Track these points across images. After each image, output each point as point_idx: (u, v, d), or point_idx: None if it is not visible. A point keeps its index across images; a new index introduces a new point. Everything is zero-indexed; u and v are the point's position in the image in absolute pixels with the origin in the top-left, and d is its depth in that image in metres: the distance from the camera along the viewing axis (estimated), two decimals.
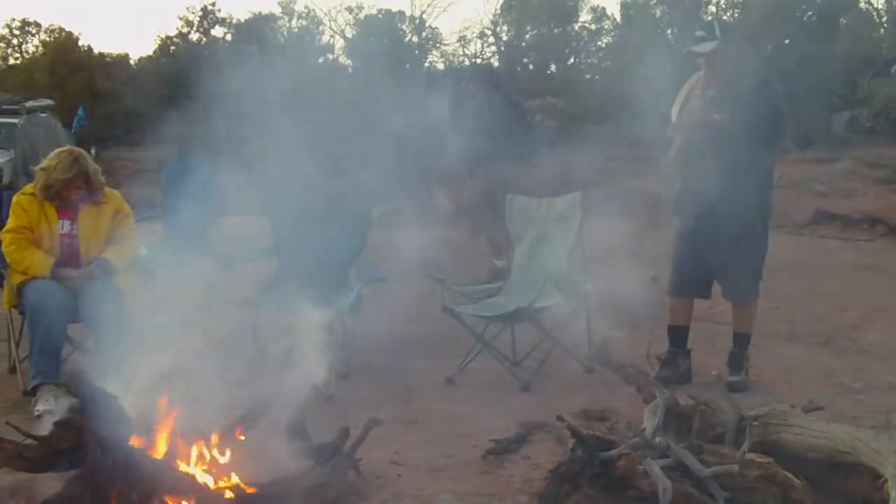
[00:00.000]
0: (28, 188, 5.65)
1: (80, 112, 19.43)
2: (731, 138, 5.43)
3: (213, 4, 33.87)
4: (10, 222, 5.54)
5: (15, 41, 42.74)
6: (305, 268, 6.36)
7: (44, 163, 5.61)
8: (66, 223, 5.58)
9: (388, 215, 10.58)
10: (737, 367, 5.75)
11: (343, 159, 7.91)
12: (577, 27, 26.95)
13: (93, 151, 8.46)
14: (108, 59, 39.51)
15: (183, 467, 3.74)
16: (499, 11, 24.58)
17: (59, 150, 5.67)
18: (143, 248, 6.27)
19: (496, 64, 22.33)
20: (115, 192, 5.84)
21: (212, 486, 3.71)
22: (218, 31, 32.84)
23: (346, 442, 4.04)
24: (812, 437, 3.87)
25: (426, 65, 22.71)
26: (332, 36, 33.58)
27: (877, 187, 14.03)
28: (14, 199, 5.62)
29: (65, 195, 5.55)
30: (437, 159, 9.18)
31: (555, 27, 25.55)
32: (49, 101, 18.22)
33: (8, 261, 5.50)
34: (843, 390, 5.66)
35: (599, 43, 27.96)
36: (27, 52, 42.11)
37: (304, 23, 24.43)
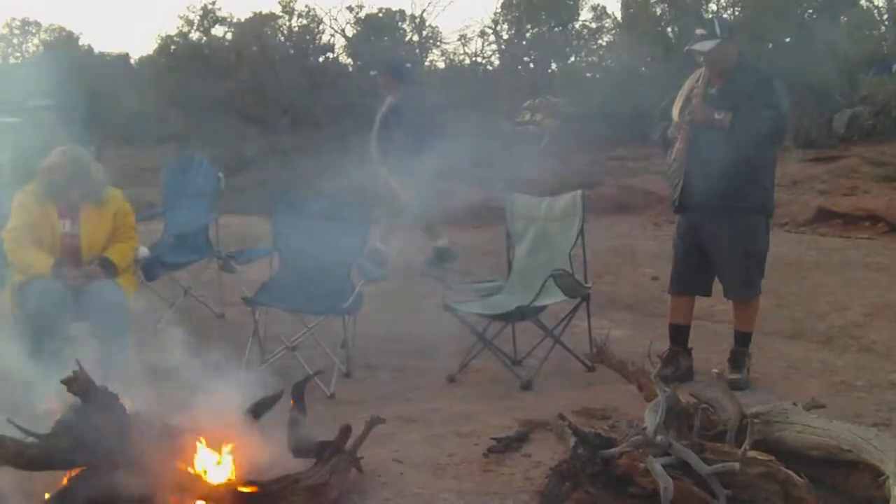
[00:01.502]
0: (29, 187, 5.64)
1: (81, 111, 19.39)
2: (732, 137, 5.43)
3: (214, 3, 33.85)
4: (12, 221, 5.54)
5: (15, 40, 42.80)
6: (306, 267, 6.38)
7: (44, 162, 5.60)
8: (68, 222, 5.57)
9: None
10: (738, 365, 5.75)
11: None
12: (577, 26, 26.94)
13: (93, 150, 8.44)
14: (108, 59, 39.52)
15: (185, 466, 3.74)
16: (499, 10, 24.58)
17: (60, 148, 5.67)
18: (144, 247, 6.27)
19: (496, 62, 22.29)
20: (117, 190, 5.84)
21: (213, 484, 3.72)
22: (218, 31, 32.83)
23: (348, 441, 4.04)
24: (813, 434, 3.88)
25: (427, 63, 22.63)
26: (332, 35, 33.48)
27: (878, 185, 14.00)
28: (15, 198, 5.61)
29: (66, 194, 5.54)
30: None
31: (555, 26, 25.53)
32: (50, 101, 18.19)
33: (9, 260, 5.49)
34: (845, 388, 5.66)
35: (600, 41, 27.95)
36: (27, 51, 42.17)
37: (305, 22, 24.39)
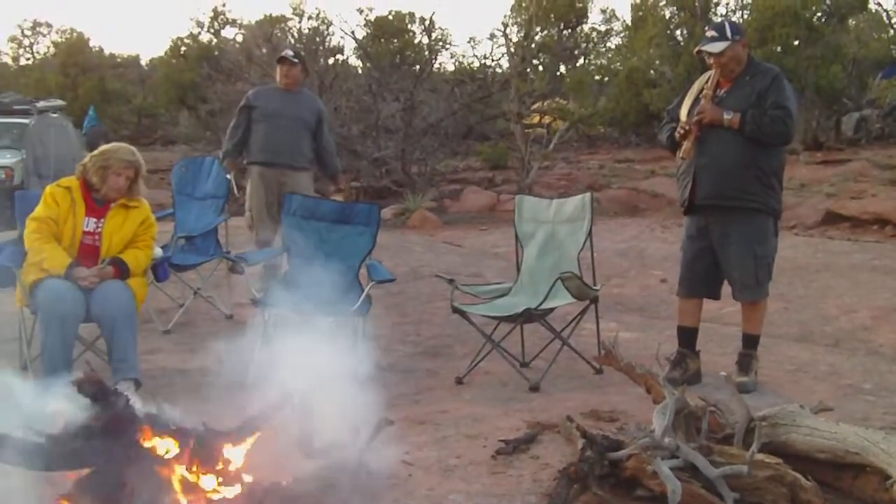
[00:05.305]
0: (65, 181, 5.64)
1: (90, 112, 19.55)
2: (741, 137, 5.44)
3: (224, 5, 33.96)
4: (39, 211, 5.53)
5: (27, 42, 43.01)
6: (315, 269, 6.39)
7: (102, 147, 5.67)
8: (93, 221, 5.57)
9: None
10: (746, 367, 5.75)
11: None
12: (586, 28, 26.98)
13: None
14: (118, 60, 39.69)
15: (194, 466, 3.75)
16: (508, 13, 24.61)
17: (114, 143, 5.81)
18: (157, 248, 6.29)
19: (505, 65, 22.32)
20: (146, 202, 5.85)
21: (221, 484, 3.73)
22: (229, 33, 32.95)
23: (357, 442, 4.05)
24: (821, 437, 3.88)
25: (436, 66, 22.65)
26: (342, 37, 33.50)
27: (886, 188, 14.04)
28: (48, 189, 5.60)
29: (112, 182, 5.54)
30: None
31: (564, 28, 25.57)
32: (60, 102, 18.26)
33: (26, 247, 5.49)
34: (853, 391, 5.65)
35: (609, 44, 27.99)
36: (38, 52, 42.37)
37: (315, 24, 24.44)
